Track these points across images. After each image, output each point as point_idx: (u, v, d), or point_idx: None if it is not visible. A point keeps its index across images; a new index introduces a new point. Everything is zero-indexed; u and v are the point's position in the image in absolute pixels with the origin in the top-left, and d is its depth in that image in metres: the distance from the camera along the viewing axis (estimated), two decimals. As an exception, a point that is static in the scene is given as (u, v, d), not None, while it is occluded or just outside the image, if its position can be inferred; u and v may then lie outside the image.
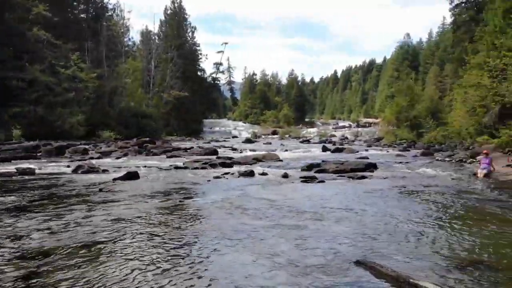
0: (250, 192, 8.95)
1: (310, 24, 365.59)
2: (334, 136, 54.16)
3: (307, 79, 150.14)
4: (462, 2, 38.17)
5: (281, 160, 16.57)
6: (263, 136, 56.54)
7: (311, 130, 70.33)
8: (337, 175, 12.24)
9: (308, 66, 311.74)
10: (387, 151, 24.86)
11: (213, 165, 14.46)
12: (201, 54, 69.57)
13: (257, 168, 13.51)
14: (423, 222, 6.15)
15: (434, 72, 62.58)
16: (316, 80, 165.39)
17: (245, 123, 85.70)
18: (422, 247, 4.83)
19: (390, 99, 54.14)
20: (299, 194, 8.68)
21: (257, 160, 16.08)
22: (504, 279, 3.79)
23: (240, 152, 23.23)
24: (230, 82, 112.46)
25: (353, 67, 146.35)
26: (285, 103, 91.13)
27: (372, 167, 14.05)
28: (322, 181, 10.71)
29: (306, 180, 10.80)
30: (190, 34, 66.18)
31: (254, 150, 24.22)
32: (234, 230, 5.52)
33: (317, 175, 12.00)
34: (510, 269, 4.07)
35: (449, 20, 47.78)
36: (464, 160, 17.03)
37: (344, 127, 78.52)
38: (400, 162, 16.40)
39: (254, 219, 6.23)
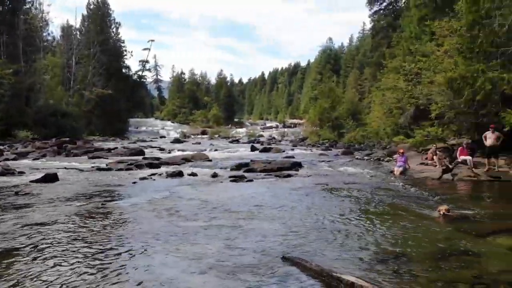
0: (179, 192, 8.82)
1: (238, 26, 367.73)
2: (262, 136, 55.10)
3: (236, 80, 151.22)
4: (381, 9, 40.85)
5: (210, 160, 16.53)
6: (192, 136, 55.83)
7: (240, 130, 70.80)
8: (264, 174, 12.49)
9: (236, 67, 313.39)
10: (311, 151, 25.82)
11: (139, 166, 14.04)
12: (126, 51, 66.87)
13: (186, 169, 13.35)
14: (345, 218, 6.50)
15: (354, 75, 65.98)
16: (245, 81, 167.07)
17: (173, 122, 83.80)
18: (345, 242, 5.09)
19: (314, 101, 56.24)
20: (228, 194, 8.73)
21: (186, 160, 15.88)
22: (420, 270, 4.10)
23: (169, 153, 22.77)
24: (157, 81, 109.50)
25: (280, 69, 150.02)
26: (215, 103, 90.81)
27: (297, 166, 14.54)
28: (251, 180, 10.87)
29: (235, 179, 10.89)
30: (114, 30, 63.23)
31: (183, 150, 23.87)
32: (162, 232, 5.41)
33: (246, 174, 12.16)
34: (425, 260, 4.42)
35: (368, 26, 50.80)
36: (381, 158, 18.25)
37: (271, 127, 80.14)
38: (323, 161, 17.13)
39: (183, 220, 6.16)
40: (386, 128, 27.05)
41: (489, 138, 11.96)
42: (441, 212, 6.52)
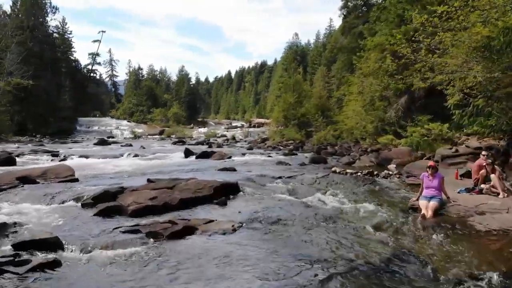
0: None
1: (204, 25, 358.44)
2: (224, 136, 48.67)
3: (202, 78, 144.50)
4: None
5: (74, 180, 9.14)
6: (146, 136, 48.97)
7: (202, 130, 64.05)
8: (131, 226, 5.45)
9: (202, 66, 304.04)
10: (269, 156, 18.80)
11: None
12: (73, 42, 58.79)
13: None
14: None
15: (321, 72, 60.56)
16: (211, 79, 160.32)
17: (129, 121, 75.56)
18: None
19: (280, 99, 50.14)
20: None
21: (23, 181, 8.43)
22: None
23: (63, 159, 15.81)
24: (112, 77, 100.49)
25: (247, 68, 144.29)
26: (175, 101, 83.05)
27: (228, 191, 7.74)
28: (55, 266, 3.83)
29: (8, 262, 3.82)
30: (50, 15, 54.53)
31: (86, 157, 16.63)
32: None
33: (77, 233, 5.24)
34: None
35: (335, 23, 44.31)
36: (375, 173, 11.37)
37: (237, 127, 73.72)
38: (280, 177, 10.16)
39: None
40: (366, 125, 20.56)
41: None
42: None
